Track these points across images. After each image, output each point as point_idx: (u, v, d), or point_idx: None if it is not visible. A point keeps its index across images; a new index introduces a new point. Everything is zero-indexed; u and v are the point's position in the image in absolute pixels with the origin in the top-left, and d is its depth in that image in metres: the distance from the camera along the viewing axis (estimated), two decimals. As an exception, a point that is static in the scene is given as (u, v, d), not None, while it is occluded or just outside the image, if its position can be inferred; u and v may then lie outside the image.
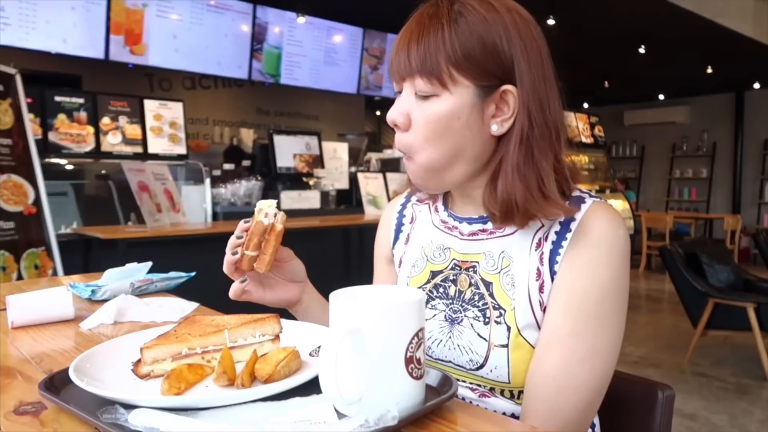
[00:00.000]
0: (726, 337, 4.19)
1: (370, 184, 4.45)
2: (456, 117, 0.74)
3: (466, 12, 0.73)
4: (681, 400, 3.20)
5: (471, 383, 0.79)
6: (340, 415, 0.55)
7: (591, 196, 0.78)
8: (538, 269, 0.76)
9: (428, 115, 0.74)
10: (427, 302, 0.85)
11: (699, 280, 3.86)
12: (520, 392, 0.77)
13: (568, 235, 0.75)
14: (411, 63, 0.73)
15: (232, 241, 0.79)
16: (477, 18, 0.72)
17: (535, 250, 0.77)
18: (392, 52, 0.78)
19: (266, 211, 0.78)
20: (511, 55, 0.73)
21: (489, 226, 0.82)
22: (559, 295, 0.74)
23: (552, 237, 0.76)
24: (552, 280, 0.75)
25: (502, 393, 0.78)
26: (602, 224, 0.74)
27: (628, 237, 0.76)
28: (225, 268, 0.81)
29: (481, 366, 0.77)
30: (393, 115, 0.76)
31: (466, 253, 0.83)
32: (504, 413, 0.78)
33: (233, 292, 0.82)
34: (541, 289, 0.76)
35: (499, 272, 0.79)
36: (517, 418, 0.78)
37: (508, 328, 0.76)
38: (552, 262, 0.75)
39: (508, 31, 0.73)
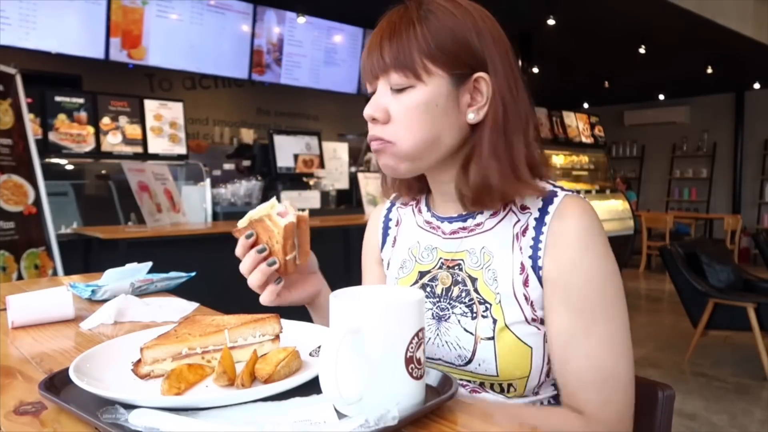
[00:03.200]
0: (726, 337, 4.19)
1: (370, 184, 4.45)
2: (434, 104, 0.77)
3: (435, 9, 0.77)
4: (681, 400, 3.20)
5: (462, 380, 0.80)
6: (340, 415, 0.55)
7: (563, 189, 0.81)
8: (521, 263, 0.78)
9: (407, 104, 0.76)
10: None
11: (699, 280, 3.85)
12: (510, 385, 0.78)
13: (545, 229, 0.77)
14: (385, 59, 0.76)
15: (252, 258, 0.76)
16: (446, 14, 0.77)
17: (516, 243, 0.79)
18: (364, 54, 0.80)
19: (276, 212, 0.75)
20: (482, 47, 0.77)
21: (468, 224, 0.84)
22: (557, 296, 0.76)
23: (530, 232, 0.79)
24: (537, 275, 0.77)
25: (492, 387, 0.79)
26: (577, 218, 0.76)
27: (602, 224, 0.78)
28: (257, 281, 0.77)
29: (469, 361, 0.78)
30: (370, 111, 0.78)
31: (452, 251, 0.85)
32: None
33: (269, 296, 0.79)
34: (525, 283, 0.78)
35: (482, 268, 0.81)
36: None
37: (494, 321, 0.77)
38: (534, 257, 0.77)
39: (477, 25, 0.77)
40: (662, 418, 0.87)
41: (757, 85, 9.19)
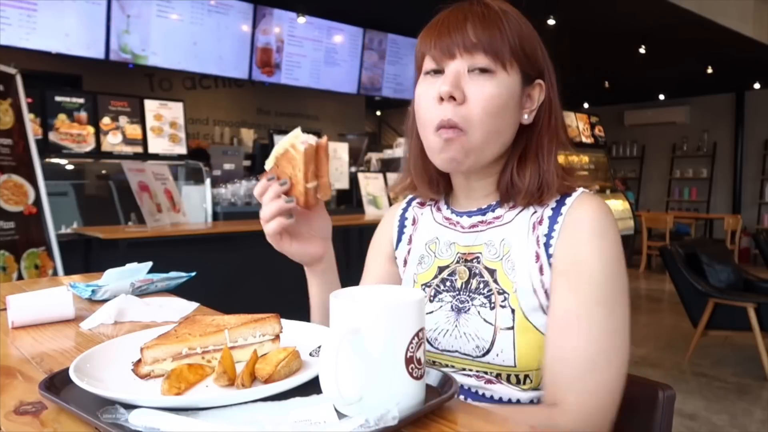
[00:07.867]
0: (726, 337, 4.18)
1: (370, 184, 4.45)
2: (508, 96, 0.79)
3: (510, 11, 0.82)
4: (681, 400, 3.20)
5: (477, 371, 0.81)
6: (340, 415, 0.55)
7: (581, 188, 0.85)
8: (536, 253, 0.80)
9: (489, 91, 0.78)
10: (435, 296, 0.87)
11: (699, 280, 3.85)
12: (526, 377, 0.79)
13: (560, 219, 0.80)
14: (473, 39, 0.78)
15: (275, 190, 0.77)
16: (521, 20, 0.82)
17: (532, 233, 0.82)
18: (435, 33, 0.81)
19: (300, 141, 0.74)
20: (542, 57, 0.84)
21: (487, 217, 0.87)
22: (565, 280, 0.77)
23: (546, 221, 0.82)
24: (549, 263, 0.79)
25: (508, 379, 0.79)
26: (591, 211, 0.80)
27: (616, 223, 0.80)
28: (274, 228, 0.78)
29: (488, 351, 0.79)
30: (449, 88, 0.77)
31: (469, 245, 0.87)
32: (510, 399, 0.80)
33: (275, 226, 0.78)
34: (540, 271, 0.79)
35: (501, 258, 0.83)
36: (522, 404, 0.79)
37: (513, 311, 0.78)
38: (547, 245, 0.80)
39: (538, 36, 0.84)
40: (663, 418, 0.87)
41: (757, 85, 9.19)
